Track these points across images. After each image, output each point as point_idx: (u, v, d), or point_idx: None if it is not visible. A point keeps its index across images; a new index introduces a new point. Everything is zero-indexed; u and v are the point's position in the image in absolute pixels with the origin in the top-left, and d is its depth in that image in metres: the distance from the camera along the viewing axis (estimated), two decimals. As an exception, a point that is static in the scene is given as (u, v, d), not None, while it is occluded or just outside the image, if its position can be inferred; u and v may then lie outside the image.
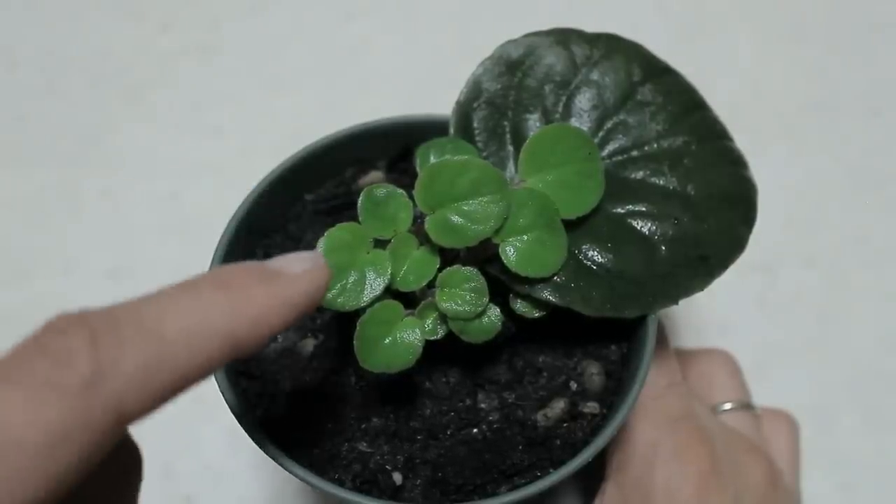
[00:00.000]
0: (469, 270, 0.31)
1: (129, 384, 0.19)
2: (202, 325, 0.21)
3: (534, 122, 0.35)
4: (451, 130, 0.35)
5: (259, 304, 0.22)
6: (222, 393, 0.33)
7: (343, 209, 0.38)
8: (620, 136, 0.35)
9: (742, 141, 0.36)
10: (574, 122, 0.35)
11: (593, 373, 0.34)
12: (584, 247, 0.33)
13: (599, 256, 0.33)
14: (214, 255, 0.35)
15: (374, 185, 0.31)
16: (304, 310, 0.23)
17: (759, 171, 0.36)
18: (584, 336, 0.35)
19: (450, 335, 0.31)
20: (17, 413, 0.18)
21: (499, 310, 0.31)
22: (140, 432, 0.48)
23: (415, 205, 0.31)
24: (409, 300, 0.32)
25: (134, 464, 0.26)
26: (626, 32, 0.36)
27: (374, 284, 0.30)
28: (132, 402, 0.20)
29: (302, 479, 0.31)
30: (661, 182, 0.35)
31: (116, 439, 0.20)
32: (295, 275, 0.23)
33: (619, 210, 0.34)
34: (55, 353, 0.19)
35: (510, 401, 0.34)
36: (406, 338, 0.31)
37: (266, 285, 0.22)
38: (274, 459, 0.31)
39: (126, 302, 0.21)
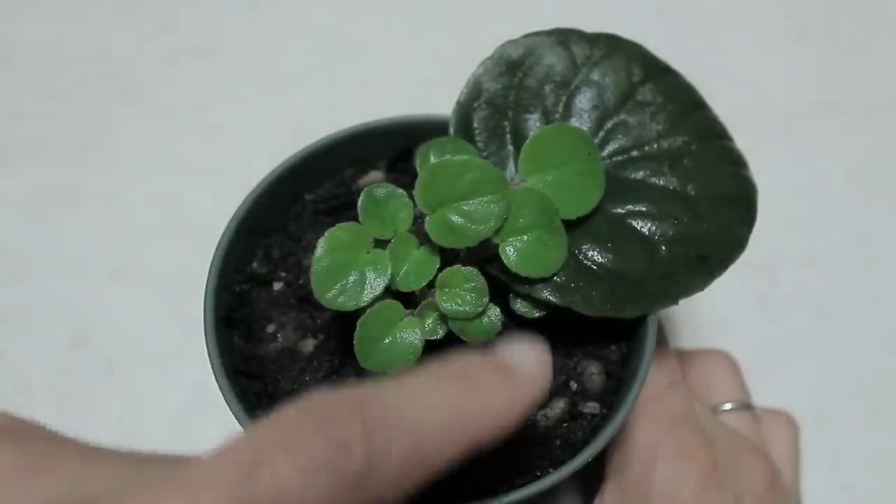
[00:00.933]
0: (469, 270, 0.31)
1: (393, 477, 0.20)
2: (458, 430, 0.21)
3: (534, 122, 0.35)
4: (452, 130, 0.35)
5: (501, 407, 0.22)
6: (222, 393, 0.33)
7: (343, 209, 0.38)
8: (620, 136, 0.35)
9: (742, 141, 0.36)
10: (574, 122, 0.35)
11: (593, 373, 0.34)
12: (584, 247, 0.33)
13: (599, 256, 0.33)
14: (214, 255, 0.35)
15: (374, 185, 0.31)
16: (527, 416, 0.23)
17: (759, 171, 0.36)
18: (584, 336, 0.35)
19: (450, 335, 0.31)
20: (292, 488, 0.18)
21: (499, 310, 0.31)
22: (140, 432, 0.48)
23: (415, 205, 0.31)
24: (409, 300, 0.31)
25: None
26: (626, 32, 0.36)
27: (374, 284, 0.30)
28: (391, 493, 0.20)
29: (302, 479, 0.31)
30: (662, 182, 0.35)
31: None
32: (528, 377, 0.23)
33: (620, 210, 0.34)
34: (333, 439, 0.19)
35: (510, 401, 0.34)
36: (406, 338, 0.31)
37: (507, 389, 0.22)
38: (274, 459, 0.31)
39: (387, 390, 0.21)
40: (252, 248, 0.37)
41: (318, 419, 0.20)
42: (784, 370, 0.49)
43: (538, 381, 0.23)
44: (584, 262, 0.33)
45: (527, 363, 0.23)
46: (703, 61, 0.56)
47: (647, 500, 0.35)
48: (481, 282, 0.31)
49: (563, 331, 0.34)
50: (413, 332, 0.31)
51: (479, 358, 0.23)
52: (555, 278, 0.32)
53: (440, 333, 0.31)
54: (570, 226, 0.33)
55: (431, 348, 0.31)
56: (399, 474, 0.20)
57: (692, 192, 0.34)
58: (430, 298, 0.31)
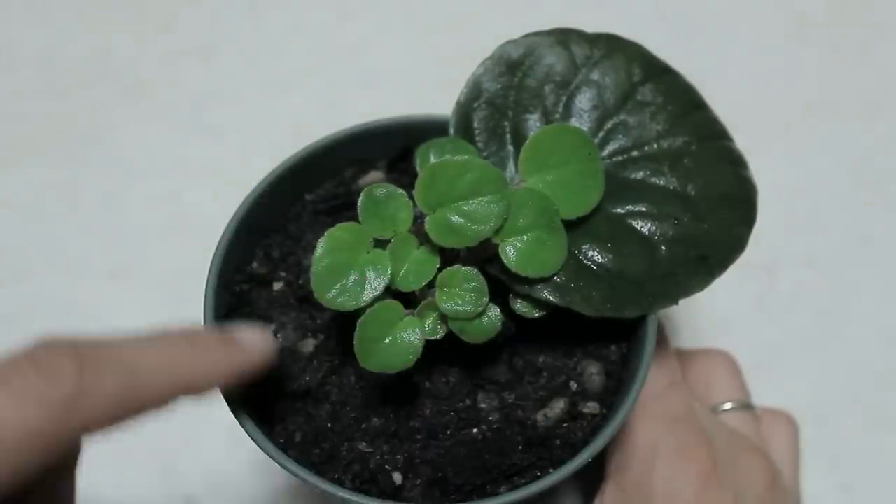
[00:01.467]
0: (469, 270, 0.31)
1: (100, 406, 0.23)
2: (167, 370, 0.25)
3: (534, 122, 0.35)
4: (452, 130, 0.35)
5: (214, 363, 0.27)
6: (222, 392, 0.33)
7: (343, 209, 0.38)
8: (621, 136, 0.35)
9: (742, 141, 0.36)
10: (574, 122, 0.35)
11: (593, 373, 0.34)
12: (584, 247, 0.33)
13: (599, 256, 0.33)
14: (214, 255, 0.35)
15: (374, 185, 0.31)
16: (245, 377, 0.28)
17: (759, 171, 0.36)
18: (584, 336, 0.35)
19: (450, 335, 0.31)
20: (5, 415, 0.22)
21: (499, 310, 0.31)
22: (140, 433, 0.48)
23: (415, 205, 0.31)
24: (409, 300, 0.32)
25: (76, 455, 0.30)
26: (626, 32, 0.36)
27: (374, 284, 0.30)
28: (99, 420, 0.24)
29: (302, 479, 0.31)
30: (662, 182, 0.35)
31: (76, 444, 0.24)
32: (247, 347, 0.28)
33: (620, 210, 0.34)
34: (46, 370, 0.23)
35: (510, 401, 0.34)
36: (406, 338, 0.31)
37: (223, 350, 0.27)
38: (274, 459, 0.31)
39: (110, 337, 0.25)
40: (252, 248, 0.37)
41: (34, 356, 0.23)
42: (784, 370, 0.49)
43: (257, 353, 0.28)
44: (584, 262, 0.33)
45: (247, 336, 0.28)
46: (703, 61, 0.56)
47: (647, 500, 0.35)
48: (481, 282, 0.31)
49: (563, 331, 0.34)
50: (413, 332, 0.31)
51: (209, 327, 0.29)
52: (555, 278, 0.32)
53: (440, 333, 0.31)
54: (570, 226, 0.33)
55: (431, 348, 0.31)
56: (110, 404, 0.24)
57: (692, 192, 0.34)
58: (430, 298, 0.31)
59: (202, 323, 0.34)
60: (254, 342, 0.28)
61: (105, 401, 0.23)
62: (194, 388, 0.26)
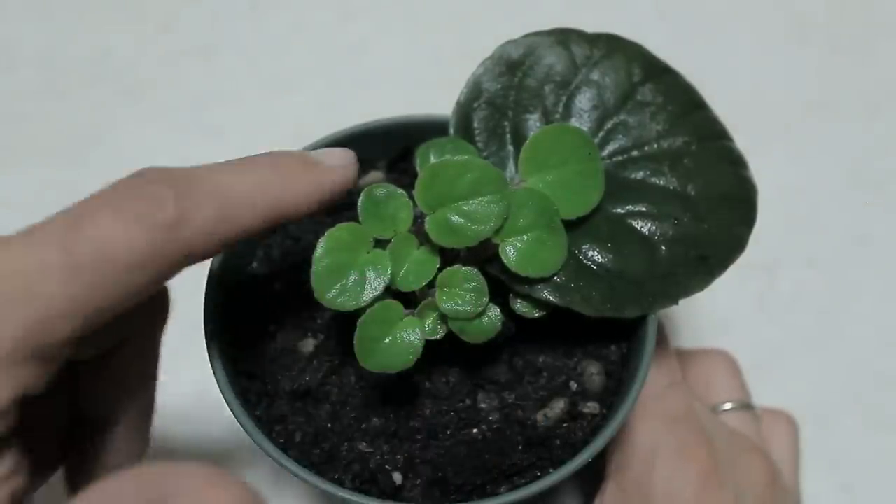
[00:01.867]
0: (469, 270, 0.31)
1: (201, 231, 0.25)
2: (259, 194, 0.27)
3: (534, 122, 0.35)
4: (452, 130, 0.35)
5: (303, 184, 0.28)
6: (222, 393, 0.33)
7: (343, 209, 0.38)
8: (621, 136, 0.35)
9: (742, 141, 0.36)
10: (574, 122, 0.35)
11: (593, 373, 0.34)
12: (584, 247, 0.33)
13: (599, 256, 0.33)
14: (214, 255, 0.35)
15: (374, 185, 0.31)
16: (334, 196, 0.29)
17: (759, 171, 0.36)
18: (584, 336, 0.35)
19: (450, 335, 0.31)
20: (116, 237, 0.24)
21: (499, 310, 0.31)
22: (140, 432, 0.48)
23: (415, 205, 0.31)
24: (409, 300, 0.32)
25: (163, 304, 0.32)
26: (625, 32, 0.36)
27: (374, 284, 0.30)
28: (200, 244, 0.25)
29: (302, 479, 0.31)
30: (662, 182, 0.35)
31: (178, 272, 0.26)
32: (331, 166, 0.29)
33: (620, 210, 0.34)
34: (149, 196, 0.25)
35: (510, 401, 0.34)
36: (406, 338, 0.31)
37: (310, 171, 0.28)
38: (274, 459, 0.31)
39: (203, 166, 0.27)
40: (252, 248, 0.37)
41: (137, 186, 0.25)
42: (784, 370, 0.49)
43: (340, 170, 0.29)
44: (584, 262, 0.33)
45: (331, 157, 0.30)
46: (703, 61, 0.56)
47: (647, 500, 0.35)
48: (481, 282, 0.31)
49: (563, 331, 0.34)
50: (413, 331, 0.31)
51: (290, 151, 0.30)
52: (555, 278, 0.32)
53: (440, 333, 0.31)
54: (570, 226, 0.33)
55: (431, 348, 0.31)
56: (209, 228, 0.25)
57: (692, 192, 0.34)
58: (430, 298, 0.31)
59: (202, 323, 0.34)
60: (336, 161, 0.29)
61: (204, 224, 0.25)
62: (286, 211, 0.28)
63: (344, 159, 0.30)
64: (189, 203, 0.25)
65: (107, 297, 0.24)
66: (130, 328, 0.30)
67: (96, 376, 0.31)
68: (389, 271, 0.31)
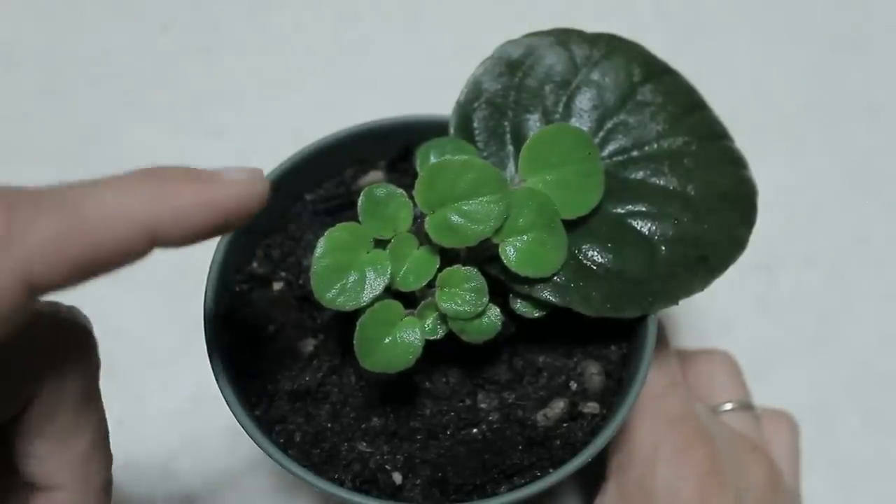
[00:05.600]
0: (469, 270, 0.31)
1: (38, 251, 0.21)
2: (121, 210, 0.22)
3: (534, 122, 0.35)
4: (451, 130, 0.35)
5: (183, 199, 0.23)
6: (222, 392, 0.33)
7: (343, 209, 0.38)
8: (621, 136, 0.35)
9: (742, 141, 0.36)
10: (574, 122, 0.35)
11: (593, 373, 0.34)
12: (584, 247, 0.33)
13: (599, 256, 0.33)
14: (214, 255, 0.35)
15: (374, 185, 0.31)
16: (233, 216, 0.24)
17: (759, 171, 0.36)
18: (584, 336, 0.35)
19: (450, 335, 0.31)
20: None
21: (499, 310, 0.31)
22: (141, 433, 0.48)
23: (415, 205, 0.31)
24: (409, 300, 0.32)
25: (80, 346, 0.27)
26: (625, 32, 0.36)
27: (374, 284, 0.30)
28: (41, 269, 0.21)
29: (302, 479, 0.31)
30: (662, 182, 0.35)
31: (28, 309, 0.21)
32: (228, 180, 0.24)
33: (620, 210, 0.34)
34: None
35: (510, 401, 0.34)
36: (406, 338, 0.31)
37: (195, 184, 0.23)
38: (274, 459, 0.31)
39: (58, 183, 0.22)
40: (252, 248, 0.37)
41: None
42: (784, 370, 0.49)
43: (237, 186, 0.24)
44: (584, 262, 0.33)
45: (231, 172, 0.24)
46: (703, 61, 0.57)
47: (647, 500, 0.35)
48: (481, 282, 0.31)
49: (563, 331, 0.34)
50: (413, 331, 0.31)
51: (179, 165, 0.24)
52: (555, 278, 0.32)
53: (440, 333, 0.31)
54: (570, 226, 0.33)
55: (431, 348, 0.31)
56: (50, 249, 0.21)
57: (692, 193, 0.34)
58: (430, 298, 0.31)
59: (202, 323, 0.34)
60: (235, 175, 0.24)
61: (43, 246, 0.21)
62: (161, 234, 0.23)
63: (247, 174, 0.25)
64: (22, 219, 0.21)
65: None
66: (37, 378, 0.26)
67: (26, 434, 0.27)
68: (389, 271, 0.31)
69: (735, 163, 0.35)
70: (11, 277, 0.20)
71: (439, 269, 0.31)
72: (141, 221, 0.22)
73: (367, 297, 0.30)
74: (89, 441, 0.28)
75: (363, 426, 0.33)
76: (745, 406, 0.41)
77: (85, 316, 0.28)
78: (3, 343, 0.21)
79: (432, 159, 0.33)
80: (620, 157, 0.35)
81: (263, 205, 0.25)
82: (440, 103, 0.37)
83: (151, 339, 0.50)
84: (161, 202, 0.23)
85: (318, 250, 0.31)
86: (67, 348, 0.27)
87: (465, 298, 0.31)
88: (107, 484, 0.28)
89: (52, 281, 0.21)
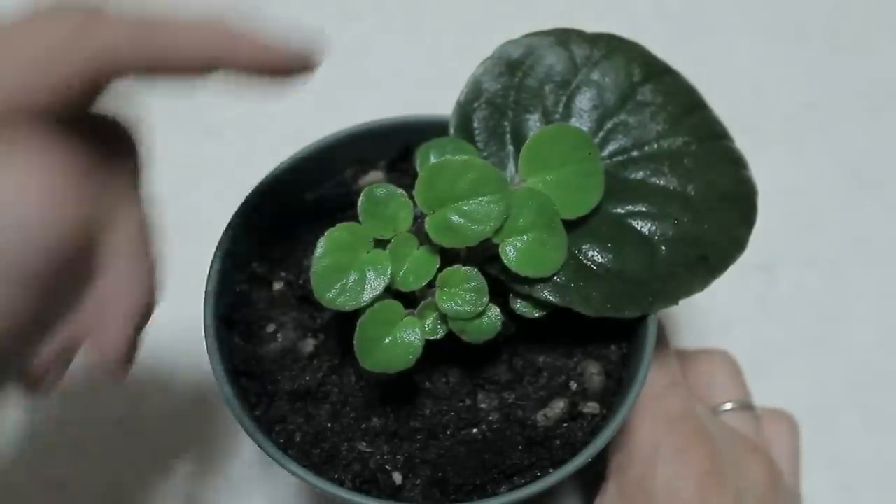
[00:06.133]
0: (469, 270, 0.31)
1: (111, 37, 0.26)
2: (192, 31, 0.28)
3: (534, 122, 0.35)
4: (452, 130, 0.35)
5: (240, 39, 0.31)
6: (222, 392, 0.33)
7: (343, 209, 0.38)
8: (621, 136, 0.35)
9: (742, 141, 0.36)
10: (574, 122, 0.35)
11: (593, 373, 0.34)
12: (584, 247, 0.33)
13: (599, 256, 0.33)
14: (214, 255, 0.35)
15: (374, 185, 0.31)
16: (285, 63, 0.32)
17: (759, 171, 0.36)
18: (584, 336, 0.35)
19: (450, 335, 0.31)
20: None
21: (499, 310, 0.31)
22: (140, 432, 0.48)
23: (415, 205, 0.31)
24: (409, 300, 0.32)
25: (127, 147, 0.33)
26: (625, 32, 0.36)
27: (374, 284, 0.30)
28: (120, 53, 0.26)
29: (302, 479, 0.31)
30: (662, 182, 0.35)
31: (102, 84, 0.28)
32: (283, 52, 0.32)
33: (620, 210, 0.34)
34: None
35: (510, 401, 0.34)
36: (406, 338, 0.31)
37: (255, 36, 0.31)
38: (274, 459, 0.31)
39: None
40: (252, 248, 0.37)
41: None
42: (784, 370, 0.49)
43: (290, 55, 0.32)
44: (584, 262, 0.33)
45: (294, 42, 0.32)
46: (703, 61, 0.57)
47: (647, 500, 0.35)
48: (481, 282, 0.31)
49: (563, 331, 0.34)
50: (413, 331, 0.31)
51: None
52: (555, 278, 0.32)
53: (440, 333, 0.31)
54: (570, 226, 0.33)
55: (431, 348, 0.31)
56: (125, 37, 0.26)
57: (692, 192, 0.34)
58: (430, 298, 0.31)
59: (202, 323, 0.34)
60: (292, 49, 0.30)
61: (118, 31, 0.26)
62: (224, 56, 0.29)
63: (300, 48, 0.31)
64: (95, 16, 0.26)
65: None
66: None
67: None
68: (389, 271, 0.31)
69: (735, 163, 0.35)
70: (91, 48, 0.26)
71: (439, 269, 0.31)
72: (209, 42, 0.28)
73: (367, 297, 0.30)
74: (137, 223, 0.33)
75: (363, 426, 0.33)
76: (745, 406, 0.41)
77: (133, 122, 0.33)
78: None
79: (432, 159, 0.33)
80: (620, 157, 0.35)
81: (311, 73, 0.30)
82: (440, 103, 0.37)
83: (151, 338, 0.49)
84: (223, 36, 0.29)
85: (319, 250, 0.31)
86: (122, 149, 0.33)
87: (465, 298, 0.31)
88: (155, 266, 0.33)
89: (131, 64, 0.26)
